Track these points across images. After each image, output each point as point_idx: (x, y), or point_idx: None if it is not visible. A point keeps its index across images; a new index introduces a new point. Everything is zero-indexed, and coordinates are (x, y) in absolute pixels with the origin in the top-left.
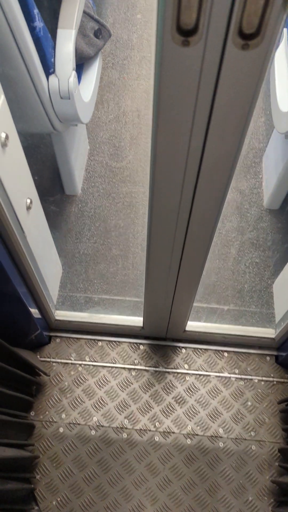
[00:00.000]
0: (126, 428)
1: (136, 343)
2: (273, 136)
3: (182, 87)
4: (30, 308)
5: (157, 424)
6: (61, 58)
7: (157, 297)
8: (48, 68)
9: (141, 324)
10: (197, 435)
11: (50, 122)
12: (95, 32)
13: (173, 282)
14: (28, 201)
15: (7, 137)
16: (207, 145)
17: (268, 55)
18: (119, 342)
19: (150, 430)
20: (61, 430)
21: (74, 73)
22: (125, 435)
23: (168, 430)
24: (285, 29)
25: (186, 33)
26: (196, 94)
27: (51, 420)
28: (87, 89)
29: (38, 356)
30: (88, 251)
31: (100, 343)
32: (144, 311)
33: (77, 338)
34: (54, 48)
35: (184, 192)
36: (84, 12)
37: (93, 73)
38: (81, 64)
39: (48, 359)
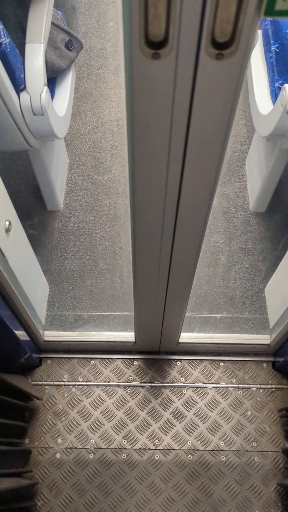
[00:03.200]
0: (124, 448)
1: (129, 358)
2: (254, 139)
3: (155, 101)
4: (16, 331)
5: (156, 442)
6: (31, 74)
7: (147, 311)
8: (19, 85)
9: (133, 339)
10: (198, 450)
11: (25, 140)
12: (66, 44)
13: (162, 295)
14: (7, 223)
15: None
16: (187, 160)
17: (245, 64)
18: (112, 359)
19: (149, 449)
20: (58, 455)
21: (46, 88)
22: (124, 456)
23: (168, 447)
24: (259, 30)
25: (156, 45)
26: (171, 108)
27: (47, 446)
28: (62, 103)
29: (30, 380)
30: (74, 267)
31: (92, 362)
32: (135, 325)
33: (68, 358)
34: (23, 63)
35: (167, 203)
36: (53, 24)
37: (66, 86)
38: (54, 77)
39: (40, 382)
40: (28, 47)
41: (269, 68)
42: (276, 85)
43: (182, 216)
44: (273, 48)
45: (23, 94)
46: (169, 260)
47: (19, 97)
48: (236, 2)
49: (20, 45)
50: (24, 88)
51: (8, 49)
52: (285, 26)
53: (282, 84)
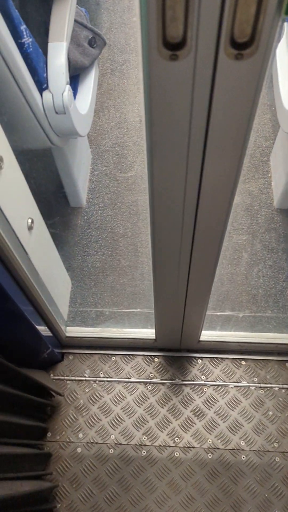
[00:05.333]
0: (145, 445)
1: (150, 355)
2: (279, 134)
3: (173, 103)
4: (38, 327)
5: (176, 439)
6: (53, 73)
7: (167, 309)
8: (41, 84)
9: (153, 336)
10: (218, 449)
11: (48, 138)
12: (89, 41)
13: (183, 293)
14: (29, 221)
15: (1, 159)
16: (206, 160)
17: (265, 64)
18: (133, 355)
19: (169, 446)
20: (79, 450)
21: (68, 87)
22: (144, 452)
23: (188, 445)
24: (285, 23)
25: (174, 46)
26: (190, 110)
27: (68, 440)
28: (84, 100)
29: (52, 374)
30: (96, 263)
31: (114, 358)
32: (155, 323)
33: (90, 354)
34: (46, 62)
35: (187, 201)
36: (76, 21)
37: (89, 83)
38: (77, 75)
39: (62, 377)
40: (50, 46)
41: None
42: None
43: (202, 214)
44: None
45: (46, 93)
46: (189, 258)
47: (41, 96)
48: (256, 2)
49: (43, 44)
50: (47, 87)
51: (31, 49)
52: None
53: None
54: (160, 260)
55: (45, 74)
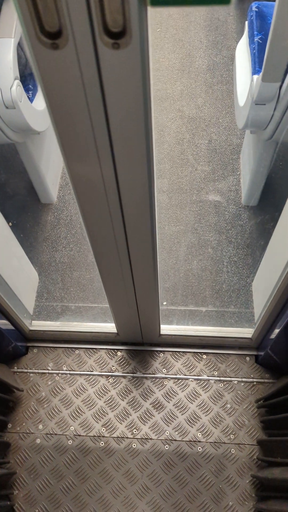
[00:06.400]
0: (103, 436)
1: (113, 349)
2: (247, 132)
3: (67, 92)
4: None
5: (134, 431)
6: (1, 68)
7: (121, 304)
8: None
9: (115, 330)
10: (175, 440)
11: (3, 133)
12: None
13: (130, 287)
14: None
15: None
16: (115, 150)
17: (144, 53)
18: (96, 349)
19: (127, 438)
20: (38, 441)
21: (17, 82)
22: (102, 444)
23: (146, 437)
24: (246, 22)
25: (53, 35)
26: (85, 97)
27: (28, 431)
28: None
29: (16, 367)
30: (64, 259)
31: (77, 351)
32: (113, 317)
33: (54, 348)
34: None
35: (109, 195)
36: None
37: None
38: None
39: (26, 370)
40: None
41: (252, 60)
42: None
43: (127, 207)
44: (256, 39)
45: None
46: (127, 254)
47: None
48: None
49: None
50: None
51: None
52: (270, 16)
53: None
54: (100, 258)
55: None
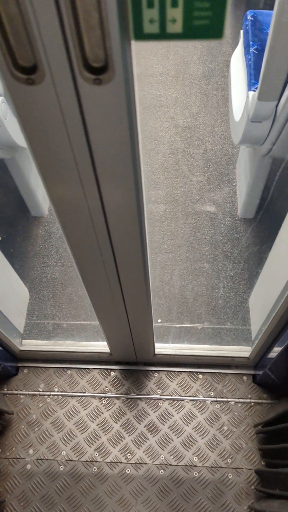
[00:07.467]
0: (96, 461)
1: (106, 369)
2: None
3: (47, 129)
4: None
5: (128, 455)
6: None
7: (112, 324)
8: None
9: (108, 349)
10: (170, 465)
11: None
12: None
13: (122, 308)
14: None
15: None
16: (101, 181)
17: (129, 87)
18: (89, 369)
19: (121, 462)
20: (28, 467)
21: (1, 98)
22: (95, 469)
23: (140, 461)
24: (241, 31)
25: (28, 70)
26: (66, 134)
27: (18, 456)
28: None
29: (6, 389)
30: (55, 274)
31: (69, 372)
32: (105, 337)
33: (45, 368)
34: None
35: (95, 220)
36: None
37: None
38: None
39: (16, 392)
40: None
41: (248, 72)
42: (252, 89)
43: (114, 230)
44: (251, 49)
45: None
46: (117, 273)
47: None
48: (99, 26)
49: None
50: None
51: None
52: (266, 25)
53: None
54: (87, 280)
55: None
